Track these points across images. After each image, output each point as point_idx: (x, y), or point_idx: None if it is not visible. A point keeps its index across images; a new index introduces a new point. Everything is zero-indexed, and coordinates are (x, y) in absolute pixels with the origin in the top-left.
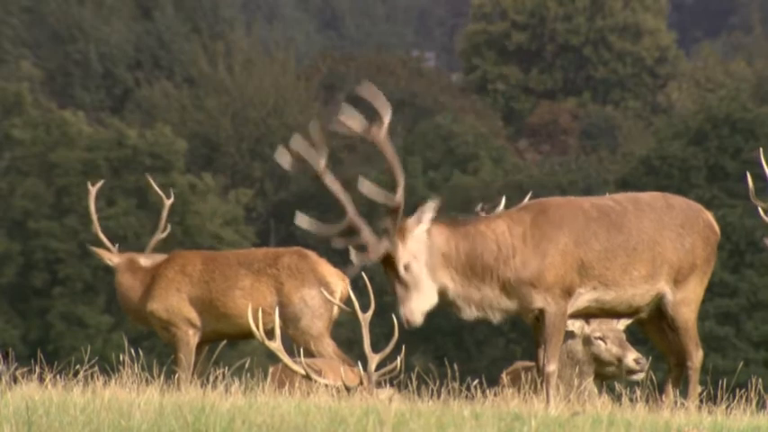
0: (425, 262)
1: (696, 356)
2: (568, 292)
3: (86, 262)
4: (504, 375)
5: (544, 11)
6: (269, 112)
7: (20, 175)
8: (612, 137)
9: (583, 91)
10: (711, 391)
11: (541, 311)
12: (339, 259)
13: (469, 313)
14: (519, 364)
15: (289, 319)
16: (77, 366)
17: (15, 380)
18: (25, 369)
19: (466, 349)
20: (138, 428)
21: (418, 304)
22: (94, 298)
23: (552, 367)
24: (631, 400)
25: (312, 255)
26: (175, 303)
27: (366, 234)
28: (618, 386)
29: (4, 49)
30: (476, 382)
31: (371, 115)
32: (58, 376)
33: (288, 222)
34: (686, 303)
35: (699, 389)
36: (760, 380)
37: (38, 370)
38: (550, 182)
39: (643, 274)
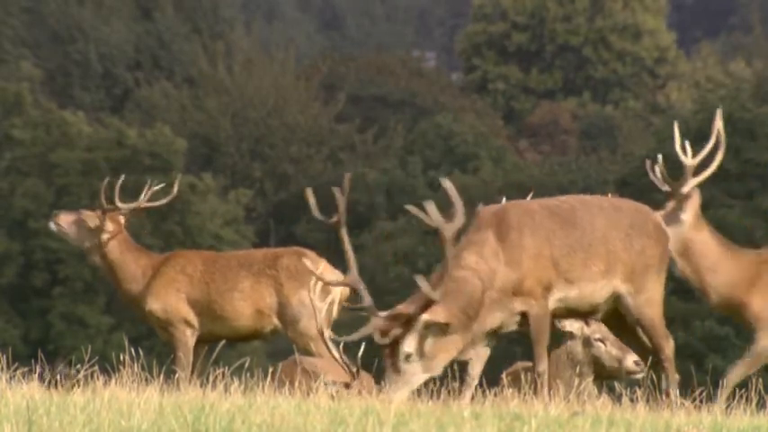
0: (428, 353)
1: (668, 347)
2: (548, 291)
3: (86, 262)
4: (504, 376)
5: (544, 11)
6: (269, 112)
7: (20, 175)
8: (612, 137)
9: (583, 91)
10: (711, 391)
11: (524, 315)
12: (338, 260)
13: (473, 353)
14: (519, 364)
15: (287, 321)
16: (77, 366)
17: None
18: (25, 369)
19: None
20: (137, 428)
21: (402, 394)
22: (95, 298)
23: (543, 366)
24: (631, 400)
25: (311, 255)
26: (174, 303)
27: (369, 303)
28: (618, 386)
29: (4, 49)
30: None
31: (372, 116)
32: (58, 376)
33: (288, 222)
34: (649, 304)
35: (677, 376)
36: (760, 380)
37: (38, 370)
38: (550, 182)
39: (601, 270)
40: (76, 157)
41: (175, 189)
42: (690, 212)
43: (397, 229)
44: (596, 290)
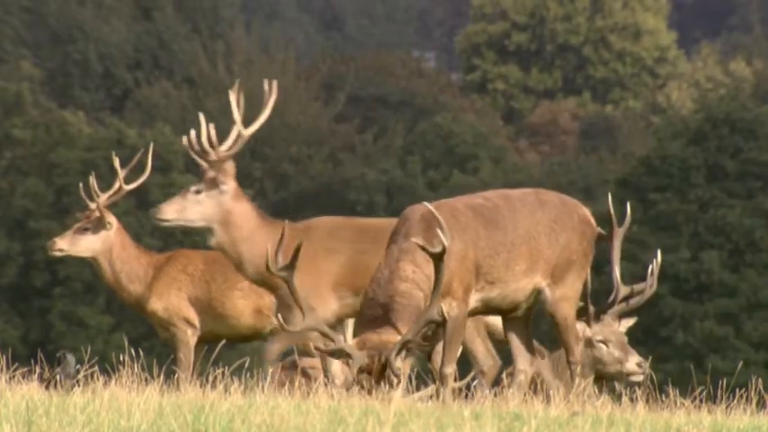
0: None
1: (577, 350)
2: (468, 293)
3: (87, 262)
4: (504, 376)
5: (544, 11)
6: None
7: (20, 175)
8: (612, 137)
9: (583, 91)
10: (711, 391)
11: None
12: None
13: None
14: None
15: (286, 321)
16: (78, 366)
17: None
18: (25, 369)
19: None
20: (137, 428)
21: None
22: (95, 298)
23: (450, 369)
24: (631, 399)
25: None
26: (175, 303)
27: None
28: (618, 386)
29: (4, 49)
30: (476, 382)
31: (372, 116)
32: (58, 376)
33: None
34: (565, 299)
35: (583, 382)
36: (760, 380)
37: (38, 370)
38: (550, 182)
39: (523, 269)
40: (76, 157)
41: (149, 163)
42: (231, 182)
43: None
44: (518, 289)
